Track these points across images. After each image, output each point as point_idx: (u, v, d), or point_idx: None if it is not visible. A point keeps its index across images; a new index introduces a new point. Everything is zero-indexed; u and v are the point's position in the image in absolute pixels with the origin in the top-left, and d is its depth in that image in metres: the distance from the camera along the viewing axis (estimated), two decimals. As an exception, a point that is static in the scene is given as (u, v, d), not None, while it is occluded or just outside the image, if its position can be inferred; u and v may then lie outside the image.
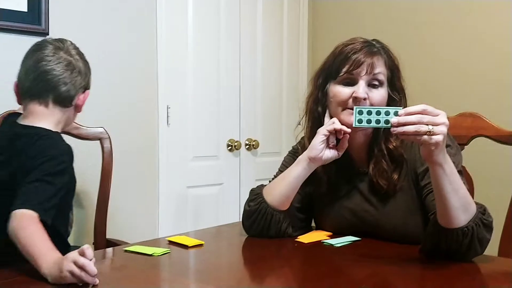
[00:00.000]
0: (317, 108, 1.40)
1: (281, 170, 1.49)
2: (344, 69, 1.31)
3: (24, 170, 1.32)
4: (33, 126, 1.43)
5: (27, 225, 1.17)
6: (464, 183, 1.19)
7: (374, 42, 1.37)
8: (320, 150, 1.31)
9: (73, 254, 1.02)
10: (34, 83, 1.45)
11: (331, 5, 3.05)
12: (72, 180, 1.45)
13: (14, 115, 1.53)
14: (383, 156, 1.33)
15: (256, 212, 1.38)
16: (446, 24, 2.60)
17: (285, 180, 1.36)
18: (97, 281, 1.01)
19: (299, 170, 1.35)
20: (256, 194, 1.41)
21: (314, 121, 1.41)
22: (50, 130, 1.44)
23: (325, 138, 1.31)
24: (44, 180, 1.29)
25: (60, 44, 1.49)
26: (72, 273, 0.99)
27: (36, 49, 1.48)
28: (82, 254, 1.01)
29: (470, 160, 1.53)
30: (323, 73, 1.39)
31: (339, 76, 1.33)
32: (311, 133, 1.39)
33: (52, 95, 1.45)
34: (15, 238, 1.15)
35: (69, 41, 1.53)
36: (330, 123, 1.31)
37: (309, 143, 1.36)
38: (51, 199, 1.27)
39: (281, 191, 1.36)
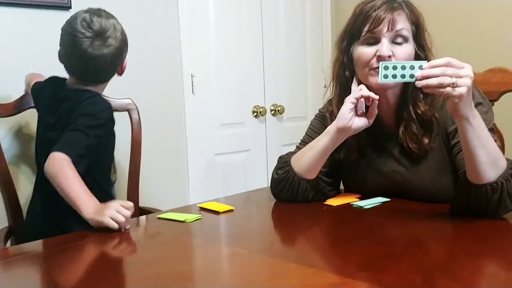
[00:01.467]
0: (344, 73, 1.37)
1: (308, 135, 1.50)
2: (366, 29, 1.28)
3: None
4: (79, 89, 1.55)
5: (65, 172, 1.29)
6: (495, 140, 1.17)
7: None
8: (349, 119, 1.28)
9: (117, 204, 1.19)
10: (80, 69, 1.55)
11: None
12: (110, 136, 1.56)
13: (58, 79, 1.62)
14: (412, 120, 1.31)
15: (284, 180, 1.39)
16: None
17: (313, 149, 1.35)
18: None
19: (327, 141, 1.33)
20: (284, 162, 1.41)
21: (342, 86, 1.39)
22: (94, 92, 1.56)
23: (353, 106, 1.28)
24: (79, 130, 1.42)
25: (97, 23, 1.50)
26: (114, 219, 1.16)
27: (72, 31, 1.51)
28: (126, 207, 1.19)
29: (500, 115, 1.50)
30: (346, 36, 1.36)
31: (362, 36, 1.30)
32: (340, 99, 1.37)
33: (99, 81, 1.59)
34: (54, 181, 1.30)
35: (103, 12, 1.56)
36: (357, 90, 1.28)
37: (338, 110, 1.34)
38: (84, 148, 1.40)
39: (309, 160, 1.36)
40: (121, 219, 1.17)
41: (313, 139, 1.45)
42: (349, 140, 1.37)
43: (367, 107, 1.30)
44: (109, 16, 1.54)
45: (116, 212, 1.17)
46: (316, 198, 1.40)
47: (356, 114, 1.29)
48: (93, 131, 1.44)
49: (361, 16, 1.30)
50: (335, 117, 1.35)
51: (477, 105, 1.24)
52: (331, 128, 1.32)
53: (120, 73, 1.62)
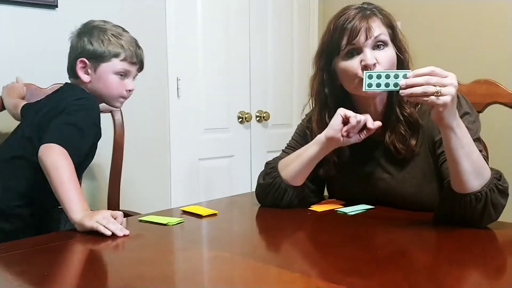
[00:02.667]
0: (323, 90, 1.37)
1: (294, 139, 1.49)
2: (344, 42, 1.28)
3: (58, 108, 1.42)
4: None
5: (63, 167, 1.24)
6: (481, 150, 1.17)
7: (365, 5, 1.33)
8: (339, 130, 1.27)
9: (107, 214, 1.17)
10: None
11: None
12: (97, 137, 1.52)
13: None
14: (400, 122, 1.32)
15: (270, 186, 1.38)
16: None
17: (301, 158, 1.35)
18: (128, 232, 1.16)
19: (316, 150, 1.32)
20: (271, 168, 1.40)
21: (322, 103, 1.38)
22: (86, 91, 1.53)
23: (342, 118, 1.27)
24: (74, 126, 1.36)
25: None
26: (101, 227, 1.13)
27: None
28: (114, 217, 1.18)
29: (485, 127, 1.50)
30: (324, 53, 1.35)
31: (342, 51, 1.29)
32: (319, 117, 1.38)
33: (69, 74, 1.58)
34: (49, 173, 1.24)
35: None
36: (360, 117, 1.26)
37: (317, 127, 1.36)
38: (81, 146, 1.38)
39: (296, 168, 1.35)
40: (112, 226, 1.14)
41: (300, 144, 1.44)
42: (328, 157, 1.37)
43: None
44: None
45: (104, 219, 1.15)
46: (300, 205, 1.39)
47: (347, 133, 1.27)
48: (90, 130, 1.42)
49: (336, 30, 1.30)
50: (315, 135, 1.36)
51: (464, 114, 1.25)
52: (321, 137, 1.31)
53: (77, 75, 1.52)
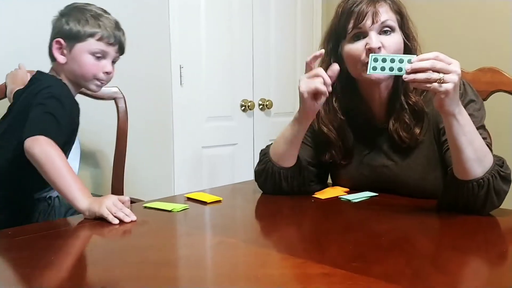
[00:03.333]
0: None
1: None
2: (351, 25, 1.28)
3: (32, 99, 1.40)
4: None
5: (53, 158, 1.23)
6: (485, 138, 1.18)
7: None
8: (309, 100, 1.24)
9: (115, 199, 1.18)
10: None
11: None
12: (73, 125, 1.47)
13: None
14: (404, 110, 1.32)
15: (264, 171, 1.39)
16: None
17: (285, 138, 1.35)
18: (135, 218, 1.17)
19: (295, 128, 1.32)
20: (263, 155, 1.41)
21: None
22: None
23: (308, 94, 1.24)
24: (51, 115, 1.34)
25: None
26: (112, 213, 1.15)
27: None
28: (122, 201, 1.19)
29: (489, 114, 1.50)
30: (332, 37, 1.35)
31: (348, 34, 1.29)
32: (326, 100, 1.36)
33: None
34: (41, 167, 1.23)
35: None
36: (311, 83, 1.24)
37: (324, 111, 1.37)
38: (59, 135, 1.32)
39: (283, 149, 1.36)
40: (120, 214, 1.15)
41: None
42: (334, 141, 1.37)
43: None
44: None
45: (114, 205, 1.16)
46: (303, 188, 1.40)
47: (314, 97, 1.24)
48: (65, 119, 1.38)
49: (344, 14, 1.30)
50: (322, 118, 1.37)
51: (469, 102, 1.25)
52: (296, 114, 1.32)
53: (54, 58, 1.49)
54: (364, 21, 1.27)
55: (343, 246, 1.01)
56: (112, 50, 1.50)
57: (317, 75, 1.22)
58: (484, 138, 1.18)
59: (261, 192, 1.44)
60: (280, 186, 1.38)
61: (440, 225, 1.18)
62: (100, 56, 1.48)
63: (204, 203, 1.33)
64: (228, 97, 2.67)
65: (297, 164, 1.39)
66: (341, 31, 1.31)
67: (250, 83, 2.76)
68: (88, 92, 1.85)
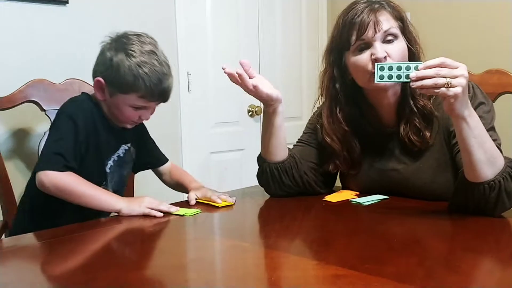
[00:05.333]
0: (333, 86, 1.38)
1: (305, 132, 1.51)
2: (354, 37, 1.28)
3: None
4: None
5: (71, 187, 1.29)
6: (495, 139, 1.18)
7: (372, 0, 1.32)
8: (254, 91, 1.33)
9: (151, 198, 1.28)
10: None
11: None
12: (80, 131, 1.39)
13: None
14: (414, 114, 1.32)
15: (263, 173, 1.42)
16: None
17: (265, 132, 1.40)
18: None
19: (265, 120, 1.39)
20: (258, 159, 1.45)
21: (332, 98, 1.39)
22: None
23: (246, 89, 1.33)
24: (60, 139, 1.35)
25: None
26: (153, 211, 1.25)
27: None
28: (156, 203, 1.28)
29: (498, 116, 1.51)
30: (334, 48, 1.36)
31: (352, 46, 1.30)
32: (329, 112, 1.39)
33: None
34: (64, 197, 1.29)
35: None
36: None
37: (327, 122, 1.39)
38: (71, 155, 1.34)
39: (270, 143, 1.39)
40: (163, 207, 1.27)
41: (309, 136, 1.47)
42: (338, 152, 1.39)
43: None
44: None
45: (153, 203, 1.27)
46: (308, 183, 1.42)
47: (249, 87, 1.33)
48: (62, 126, 1.38)
49: (346, 26, 1.30)
50: (326, 129, 1.38)
51: (479, 104, 1.26)
52: (264, 108, 1.37)
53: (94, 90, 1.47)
54: (366, 32, 1.27)
55: (355, 248, 1.02)
56: (153, 105, 1.46)
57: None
58: (494, 140, 1.18)
59: (271, 195, 1.45)
60: (281, 181, 1.40)
61: (452, 227, 1.18)
62: (140, 107, 1.44)
63: (216, 207, 1.34)
64: (235, 103, 2.68)
65: (291, 157, 1.41)
66: (344, 42, 1.31)
67: (257, 88, 2.77)
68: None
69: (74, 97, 1.48)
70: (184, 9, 2.41)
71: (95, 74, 1.46)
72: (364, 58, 1.28)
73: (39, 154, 1.41)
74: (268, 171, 1.41)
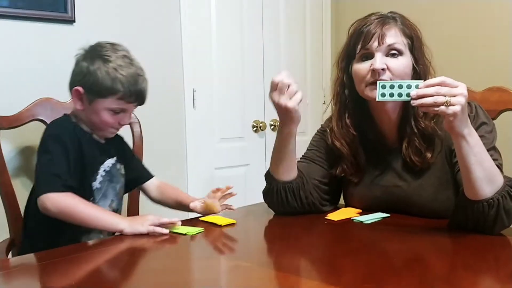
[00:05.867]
0: (343, 91, 1.41)
1: (308, 149, 1.53)
2: (359, 45, 1.33)
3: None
4: None
5: (72, 207, 1.32)
6: (496, 159, 1.20)
7: (389, 14, 1.36)
8: (283, 105, 1.27)
9: (152, 216, 1.30)
10: None
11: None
12: (69, 149, 1.43)
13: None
14: (415, 135, 1.34)
15: (270, 191, 1.42)
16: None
17: (276, 150, 1.39)
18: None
19: (284, 137, 1.35)
20: (266, 175, 1.45)
21: (342, 104, 1.42)
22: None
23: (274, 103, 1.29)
24: (52, 162, 1.38)
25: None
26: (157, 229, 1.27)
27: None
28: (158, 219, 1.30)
29: (499, 134, 1.52)
30: (345, 56, 1.40)
31: (357, 54, 1.34)
32: (339, 116, 1.42)
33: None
34: (66, 219, 1.33)
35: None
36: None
37: (337, 127, 1.40)
38: (68, 175, 1.38)
39: (280, 162, 1.39)
40: (165, 220, 1.29)
41: (313, 154, 1.48)
42: (346, 156, 1.40)
43: None
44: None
45: (155, 220, 1.29)
46: (312, 204, 1.42)
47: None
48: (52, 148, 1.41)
49: (354, 34, 1.35)
50: (335, 133, 1.40)
51: (481, 124, 1.28)
52: (280, 126, 1.35)
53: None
54: (371, 43, 1.31)
55: (356, 267, 1.03)
56: (131, 106, 1.50)
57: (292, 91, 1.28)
58: (495, 159, 1.20)
59: (274, 214, 1.46)
60: (287, 201, 1.40)
61: (452, 245, 1.19)
62: (118, 111, 1.49)
63: (218, 226, 1.35)
64: (240, 118, 2.70)
65: (300, 177, 1.41)
66: (351, 51, 1.36)
67: (261, 104, 2.79)
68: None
69: (54, 120, 1.53)
70: (190, 27, 2.44)
71: (72, 85, 1.50)
72: (364, 67, 1.32)
73: (36, 179, 1.42)
74: (275, 190, 1.41)
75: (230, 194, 1.56)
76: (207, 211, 1.51)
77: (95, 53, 1.48)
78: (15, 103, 1.81)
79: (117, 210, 1.54)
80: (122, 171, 1.63)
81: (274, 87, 1.28)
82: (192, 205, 1.54)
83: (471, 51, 2.59)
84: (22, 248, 1.55)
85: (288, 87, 1.26)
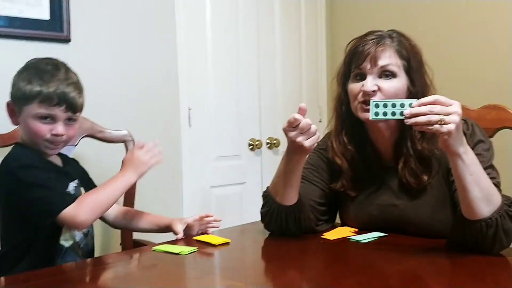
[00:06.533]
0: (341, 107, 1.40)
1: (305, 167, 1.51)
2: (354, 65, 1.33)
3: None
4: None
5: (93, 202, 1.34)
6: (494, 177, 1.18)
7: (387, 33, 1.35)
8: (295, 137, 1.24)
9: (144, 153, 1.43)
10: None
11: (348, 1, 3.05)
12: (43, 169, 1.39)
13: None
14: (411, 156, 1.33)
15: (269, 213, 1.39)
16: (471, 15, 2.58)
17: (282, 173, 1.35)
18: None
19: (285, 163, 1.33)
20: (265, 196, 1.41)
21: (340, 119, 1.42)
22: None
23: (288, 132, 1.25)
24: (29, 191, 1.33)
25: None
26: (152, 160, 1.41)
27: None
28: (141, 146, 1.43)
29: (495, 151, 1.51)
30: (343, 73, 1.40)
31: (352, 73, 1.34)
32: (337, 132, 1.42)
33: None
34: (103, 209, 1.37)
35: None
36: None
37: (336, 144, 1.40)
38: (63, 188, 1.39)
39: (283, 187, 1.35)
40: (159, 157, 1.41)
41: (310, 173, 1.47)
42: (345, 171, 1.40)
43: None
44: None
45: (147, 155, 1.40)
46: (310, 228, 1.40)
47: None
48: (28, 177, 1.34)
49: (350, 53, 1.35)
50: (335, 149, 1.40)
51: (478, 142, 1.27)
52: (287, 149, 1.32)
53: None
54: (364, 64, 1.31)
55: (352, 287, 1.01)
56: (59, 111, 1.38)
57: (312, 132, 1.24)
58: (492, 178, 1.18)
59: (269, 233, 1.44)
60: (286, 225, 1.38)
61: (450, 266, 1.17)
62: (47, 118, 1.38)
63: (212, 245, 1.33)
64: (236, 137, 2.69)
65: (300, 201, 1.38)
66: (346, 69, 1.36)
67: (257, 122, 2.78)
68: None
69: (9, 153, 1.43)
70: (186, 45, 2.44)
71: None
72: (356, 87, 1.32)
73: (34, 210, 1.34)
74: (275, 213, 1.37)
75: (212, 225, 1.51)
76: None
77: (25, 65, 1.45)
78: (9, 122, 1.80)
79: (87, 233, 1.48)
80: None
81: (292, 123, 1.24)
82: (178, 228, 1.48)
83: (466, 68, 2.59)
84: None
85: (310, 128, 1.24)
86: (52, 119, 1.38)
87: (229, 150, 2.67)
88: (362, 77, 1.32)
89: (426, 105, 1.07)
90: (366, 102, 1.28)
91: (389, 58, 1.31)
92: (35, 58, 1.47)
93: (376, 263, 1.19)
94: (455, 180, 1.15)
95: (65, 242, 1.41)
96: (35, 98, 1.36)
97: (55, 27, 2.00)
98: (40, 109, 1.37)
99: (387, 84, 1.30)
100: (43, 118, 1.38)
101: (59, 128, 1.38)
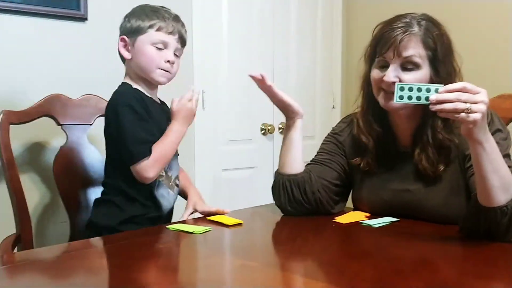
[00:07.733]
0: (368, 87, 1.39)
1: (320, 153, 1.52)
2: (378, 51, 1.31)
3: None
4: None
5: (157, 155, 1.46)
6: (510, 166, 1.18)
7: (416, 20, 1.29)
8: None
9: (184, 101, 1.56)
10: None
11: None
12: (140, 112, 1.50)
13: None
14: (430, 145, 1.32)
15: (276, 185, 1.45)
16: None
17: (283, 144, 1.47)
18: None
19: (284, 133, 1.49)
20: (275, 173, 1.48)
21: (366, 99, 1.41)
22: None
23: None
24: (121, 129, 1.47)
25: None
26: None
27: None
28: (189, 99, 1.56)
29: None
30: (370, 55, 1.37)
31: (376, 58, 1.33)
32: (363, 110, 1.42)
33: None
34: (163, 165, 1.50)
35: None
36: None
37: (362, 122, 1.41)
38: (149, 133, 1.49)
39: (283, 157, 1.46)
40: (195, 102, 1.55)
41: (324, 157, 1.48)
42: (371, 149, 1.41)
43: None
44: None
45: (194, 103, 1.55)
46: (320, 203, 1.42)
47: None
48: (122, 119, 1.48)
49: (376, 38, 1.33)
50: (361, 128, 1.42)
51: (496, 131, 1.26)
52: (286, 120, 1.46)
53: (123, 58, 1.59)
54: (387, 53, 1.28)
55: (363, 270, 1.02)
56: (172, 40, 1.53)
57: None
58: (509, 167, 1.18)
59: (281, 215, 1.45)
60: (293, 195, 1.41)
61: (462, 251, 1.18)
62: (161, 47, 1.52)
63: (225, 225, 1.34)
64: (248, 121, 2.70)
65: (306, 172, 1.43)
66: (372, 53, 1.35)
67: (270, 107, 2.76)
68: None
69: (117, 90, 1.55)
70: (201, 29, 2.44)
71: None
72: (378, 75, 1.32)
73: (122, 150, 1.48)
74: (280, 183, 1.43)
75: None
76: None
77: (133, 8, 1.58)
78: (26, 99, 1.81)
79: (176, 177, 1.64)
80: None
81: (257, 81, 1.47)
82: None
83: (475, 58, 2.57)
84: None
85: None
86: (165, 47, 1.53)
87: (242, 134, 2.68)
88: (385, 64, 1.30)
89: (453, 92, 1.05)
90: (386, 91, 1.28)
91: (413, 49, 1.27)
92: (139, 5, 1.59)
93: (387, 247, 1.20)
94: (474, 167, 1.14)
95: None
96: (152, 27, 1.51)
97: (71, 5, 2.00)
98: (157, 36, 1.51)
99: (408, 77, 1.27)
100: (158, 45, 1.52)
101: (170, 55, 1.54)
